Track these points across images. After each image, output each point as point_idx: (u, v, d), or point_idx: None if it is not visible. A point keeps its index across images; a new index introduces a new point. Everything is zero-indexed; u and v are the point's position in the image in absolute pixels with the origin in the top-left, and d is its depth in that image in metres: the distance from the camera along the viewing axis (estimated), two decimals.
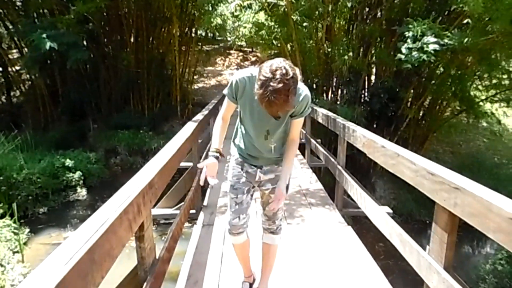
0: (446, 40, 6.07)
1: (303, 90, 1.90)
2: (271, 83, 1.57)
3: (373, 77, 10.21)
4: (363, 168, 8.81)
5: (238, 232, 2.16)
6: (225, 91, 1.99)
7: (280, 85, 1.57)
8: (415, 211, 8.01)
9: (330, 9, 8.72)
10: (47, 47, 8.47)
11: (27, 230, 6.43)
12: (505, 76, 8.89)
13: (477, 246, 7.74)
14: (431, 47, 6.03)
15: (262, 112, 1.80)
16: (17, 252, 5.55)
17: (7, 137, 9.09)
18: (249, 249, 2.37)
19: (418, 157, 2.13)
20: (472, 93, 9.34)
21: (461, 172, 1.76)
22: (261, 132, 1.99)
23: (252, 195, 2.21)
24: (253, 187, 2.19)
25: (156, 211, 3.39)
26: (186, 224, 5.27)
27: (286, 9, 8.20)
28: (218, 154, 2.00)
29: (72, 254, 1.00)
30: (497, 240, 1.38)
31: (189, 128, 3.83)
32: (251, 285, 2.49)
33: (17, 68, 12.82)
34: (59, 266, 0.94)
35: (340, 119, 4.10)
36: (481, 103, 9.67)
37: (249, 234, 2.27)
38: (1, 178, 7.12)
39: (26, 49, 11.29)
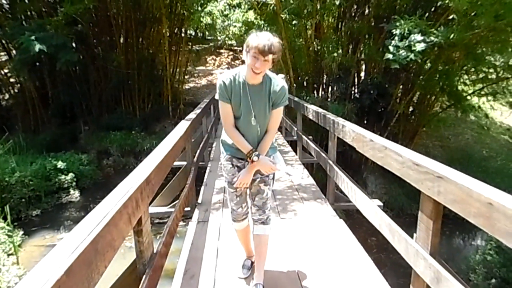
0: (432, 38, 6.19)
1: (282, 82, 2.20)
2: (259, 38, 1.97)
3: (362, 74, 10.34)
4: (355, 163, 8.94)
5: (242, 218, 2.48)
6: (218, 96, 2.17)
7: (265, 35, 1.98)
8: (406, 205, 8.15)
9: (318, 7, 8.82)
10: (36, 50, 8.43)
11: (21, 232, 6.42)
12: (491, 70, 9.09)
13: (468, 238, 7.91)
14: (419, 47, 6.14)
15: (249, 101, 2.12)
16: (12, 254, 5.55)
17: None
18: (249, 232, 2.60)
19: (404, 149, 2.21)
20: (459, 87, 9.51)
21: (451, 165, 1.83)
22: (249, 118, 2.16)
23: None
24: None
25: (152, 209, 3.44)
26: (181, 223, 5.33)
27: (275, 8, 8.28)
28: (257, 152, 2.18)
29: (77, 244, 1.06)
30: (477, 224, 1.46)
31: (182, 126, 3.88)
32: (252, 262, 2.67)
33: (6, 71, 12.69)
34: (66, 255, 1.00)
35: (330, 115, 4.18)
36: (468, 97, 9.87)
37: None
38: None
39: (14, 52, 11.18)
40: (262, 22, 8.43)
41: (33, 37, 8.57)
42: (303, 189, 4.69)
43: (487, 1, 6.17)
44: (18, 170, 7.71)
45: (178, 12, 12.38)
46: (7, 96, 13.35)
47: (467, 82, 9.69)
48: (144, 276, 1.79)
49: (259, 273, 2.44)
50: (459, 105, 9.68)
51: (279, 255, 2.91)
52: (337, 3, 8.87)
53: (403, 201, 8.26)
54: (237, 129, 2.21)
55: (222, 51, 19.03)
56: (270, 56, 1.98)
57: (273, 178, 2.39)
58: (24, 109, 12.14)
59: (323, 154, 4.41)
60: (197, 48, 16.16)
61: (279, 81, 2.18)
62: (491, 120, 13.21)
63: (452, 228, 7.30)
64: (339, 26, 10.17)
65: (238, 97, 2.13)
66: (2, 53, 13.03)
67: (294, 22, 9.25)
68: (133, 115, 12.12)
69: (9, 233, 5.86)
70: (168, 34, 12.28)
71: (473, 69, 9.14)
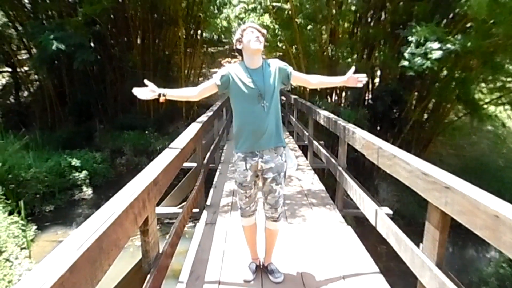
0: (449, 45, 6.10)
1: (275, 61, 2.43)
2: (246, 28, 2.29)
3: (377, 80, 10.26)
4: (366, 170, 8.86)
5: (250, 214, 2.57)
6: (214, 75, 2.38)
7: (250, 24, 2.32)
8: (417, 213, 8.03)
9: (334, 12, 8.80)
10: (54, 48, 8.63)
11: (34, 227, 6.56)
12: (509, 79, 8.90)
13: (481, 250, 7.75)
14: (435, 55, 6.05)
15: (253, 82, 2.27)
16: (24, 248, 5.68)
17: (16, 136, 9.25)
18: (256, 232, 2.69)
19: (413, 158, 2.19)
20: (476, 96, 9.35)
21: (465, 175, 1.82)
22: (255, 98, 2.27)
23: (256, 184, 2.48)
24: (257, 176, 2.43)
25: (160, 209, 3.48)
26: (189, 224, 5.37)
27: (290, 13, 8.30)
28: (163, 93, 2.37)
29: (82, 241, 1.08)
30: (483, 236, 1.44)
31: (193, 128, 3.91)
32: (257, 266, 2.72)
33: (26, 68, 13.02)
34: (71, 251, 1.02)
35: (340, 121, 4.16)
36: (485, 106, 9.68)
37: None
38: (10, 176, 7.28)
39: (34, 50, 11.47)
40: (277, 26, 8.47)
41: (52, 36, 8.78)
42: (312, 194, 4.68)
43: (506, 9, 6.06)
44: (34, 166, 7.89)
45: (194, 15, 12.51)
46: (26, 93, 13.68)
47: (484, 90, 9.51)
48: (148, 276, 1.81)
49: (269, 256, 2.67)
50: (475, 114, 9.50)
51: (285, 260, 2.90)
52: (353, 8, 8.84)
53: (414, 209, 8.13)
54: (242, 115, 2.33)
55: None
56: (262, 31, 2.27)
57: (284, 177, 2.44)
58: (42, 107, 12.44)
59: (333, 160, 4.39)
60: (212, 51, 16.29)
61: (278, 61, 2.41)
62: (508, 130, 12.92)
63: (464, 239, 7.17)
64: (355, 31, 10.12)
65: (240, 81, 2.29)
66: (23, 51, 13.39)
67: (309, 27, 9.25)
68: (147, 116, 12.28)
69: (23, 228, 5.99)
70: (184, 36, 12.42)
71: (490, 78, 8.97)
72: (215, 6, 9.19)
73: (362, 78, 2.43)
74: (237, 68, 2.35)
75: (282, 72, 2.36)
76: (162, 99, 2.34)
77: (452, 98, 9.08)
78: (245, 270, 2.69)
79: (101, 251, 1.16)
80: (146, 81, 2.37)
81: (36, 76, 12.96)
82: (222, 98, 7.72)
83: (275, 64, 2.38)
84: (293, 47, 9.77)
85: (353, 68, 2.47)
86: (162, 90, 2.36)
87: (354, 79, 2.42)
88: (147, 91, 2.36)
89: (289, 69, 2.40)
